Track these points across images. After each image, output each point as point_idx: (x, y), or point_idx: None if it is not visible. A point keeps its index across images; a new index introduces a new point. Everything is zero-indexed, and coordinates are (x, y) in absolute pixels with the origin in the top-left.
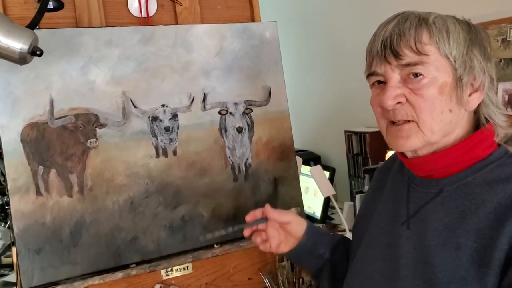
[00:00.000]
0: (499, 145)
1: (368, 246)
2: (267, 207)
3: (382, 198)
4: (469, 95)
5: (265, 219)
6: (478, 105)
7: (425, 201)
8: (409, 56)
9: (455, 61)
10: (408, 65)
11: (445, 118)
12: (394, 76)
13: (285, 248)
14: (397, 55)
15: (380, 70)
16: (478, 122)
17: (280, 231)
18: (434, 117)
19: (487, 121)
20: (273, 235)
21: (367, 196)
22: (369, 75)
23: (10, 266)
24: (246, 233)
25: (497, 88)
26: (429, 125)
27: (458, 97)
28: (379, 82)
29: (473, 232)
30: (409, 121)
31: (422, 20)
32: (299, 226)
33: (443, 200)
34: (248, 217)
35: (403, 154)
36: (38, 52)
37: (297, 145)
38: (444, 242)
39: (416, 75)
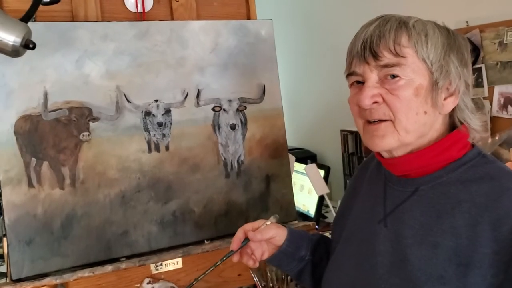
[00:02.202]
0: (473, 146)
1: (345, 242)
2: (249, 233)
3: (360, 196)
4: (444, 99)
5: (247, 239)
6: (453, 109)
7: (401, 199)
8: (387, 57)
9: (432, 65)
10: (386, 66)
11: (420, 119)
12: (372, 76)
13: (267, 255)
14: (376, 56)
15: (359, 70)
16: (453, 125)
17: (262, 242)
18: (409, 117)
19: (462, 124)
20: (256, 247)
21: (346, 194)
22: (349, 75)
23: (1, 258)
24: (236, 259)
25: (471, 93)
26: (404, 125)
27: (433, 100)
28: (358, 82)
29: (449, 231)
30: (385, 120)
31: (402, 23)
32: (281, 236)
33: (419, 199)
34: (234, 245)
35: (380, 154)
36: (31, 45)
37: (294, 144)
38: (421, 240)
39: (393, 76)
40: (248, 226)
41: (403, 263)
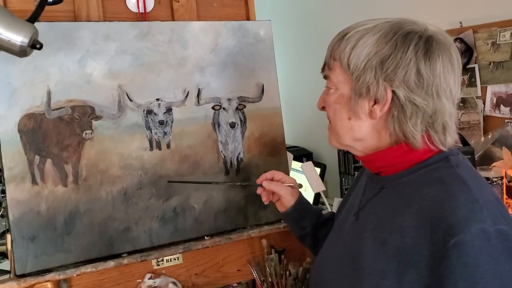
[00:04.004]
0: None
1: (331, 233)
2: (264, 181)
3: (354, 191)
4: (372, 105)
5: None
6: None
7: (371, 195)
8: (325, 69)
9: (352, 74)
10: (325, 77)
11: (345, 125)
12: (326, 85)
13: (280, 208)
14: (322, 68)
15: None
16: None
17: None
18: (336, 122)
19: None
20: (276, 193)
21: (349, 189)
22: None
23: (2, 255)
24: (259, 191)
25: (422, 100)
26: (335, 128)
27: (353, 107)
28: None
29: (397, 230)
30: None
31: (341, 36)
32: (289, 202)
33: (383, 196)
34: (259, 180)
35: None
36: (38, 46)
37: (290, 142)
38: (375, 235)
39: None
40: (278, 175)
41: (358, 254)
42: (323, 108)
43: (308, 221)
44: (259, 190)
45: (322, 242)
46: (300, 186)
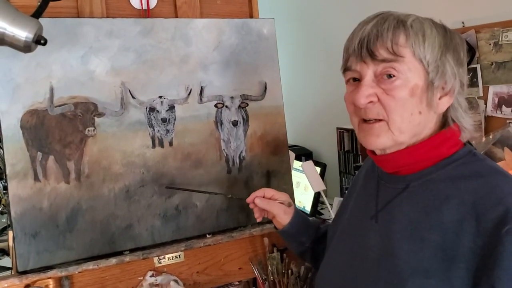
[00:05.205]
0: (465, 144)
1: (339, 239)
2: (257, 198)
3: (355, 194)
4: (439, 99)
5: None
6: (447, 109)
7: (392, 196)
8: (384, 55)
9: (428, 65)
10: (383, 60)
11: (414, 119)
12: (369, 74)
13: (276, 225)
14: (372, 55)
15: (356, 67)
16: (445, 123)
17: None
18: (404, 118)
19: (454, 122)
20: (268, 211)
21: (346, 193)
22: (345, 70)
23: (2, 251)
24: (251, 206)
25: (465, 92)
26: (399, 125)
27: (428, 100)
28: (354, 79)
29: (436, 226)
30: (380, 120)
31: (400, 23)
32: (283, 220)
33: (409, 195)
34: (249, 198)
35: (372, 152)
36: (42, 41)
37: (290, 141)
38: (409, 235)
39: (390, 76)
40: (269, 192)
41: (391, 256)
42: (369, 103)
43: (307, 236)
44: (251, 206)
45: (323, 255)
46: (291, 204)
